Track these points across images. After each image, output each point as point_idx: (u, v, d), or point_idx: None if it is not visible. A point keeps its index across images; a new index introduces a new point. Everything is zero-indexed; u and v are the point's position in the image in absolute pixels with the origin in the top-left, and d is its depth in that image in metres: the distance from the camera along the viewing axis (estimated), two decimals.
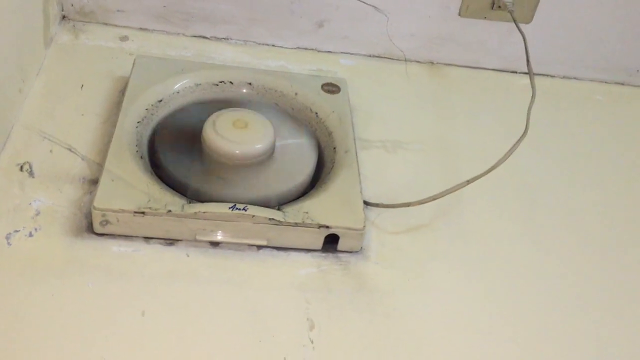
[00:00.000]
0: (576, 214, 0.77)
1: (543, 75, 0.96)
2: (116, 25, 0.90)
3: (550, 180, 0.81)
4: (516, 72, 0.97)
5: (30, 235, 0.63)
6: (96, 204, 0.63)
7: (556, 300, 0.68)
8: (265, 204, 0.67)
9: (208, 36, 0.92)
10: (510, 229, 0.74)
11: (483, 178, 0.68)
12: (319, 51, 0.94)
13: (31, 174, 0.68)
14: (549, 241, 0.73)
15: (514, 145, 0.69)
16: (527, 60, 0.80)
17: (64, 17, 0.89)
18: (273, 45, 0.93)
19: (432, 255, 0.69)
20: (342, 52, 0.94)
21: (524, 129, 0.72)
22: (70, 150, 0.71)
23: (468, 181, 0.68)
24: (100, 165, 0.69)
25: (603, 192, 0.81)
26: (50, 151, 0.71)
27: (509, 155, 0.69)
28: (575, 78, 0.98)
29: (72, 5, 0.88)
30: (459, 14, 0.91)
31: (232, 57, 0.90)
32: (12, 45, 0.72)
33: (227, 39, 0.93)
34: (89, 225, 0.64)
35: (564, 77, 0.98)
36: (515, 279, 0.69)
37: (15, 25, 0.72)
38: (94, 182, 0.68)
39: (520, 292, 0.68)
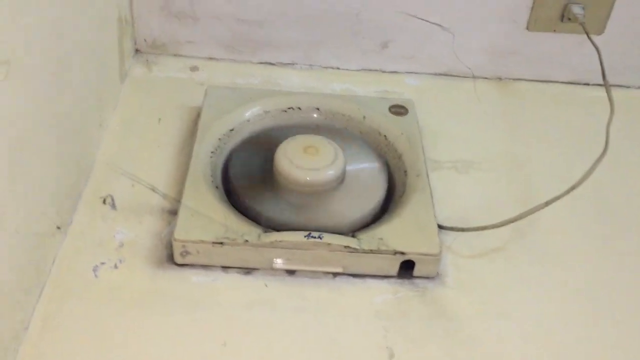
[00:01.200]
0: None
1: (617, 86, 0.92)
2: (186, 56, 0.93)
3: (634, 200, 0.77)
4: (588, 84, 0.94)
5: (115, 267, 0.65)
6: (176, 235, 0.64)
7: None
8: (338, 230, 0.67)
9: (274, 62, 0.94)
10: (592, 253, 0.71)
11: (560, 199, 0.67)
12: (383, 72, 0.94)
13: (113, 206, 0.71)
14: (634, 265, 0.70)
15: (594, 163, 0.67)
16: (603, 75, 0.77)
17: (137, 50, 0.93)
18: (338, 68, 0.94)
19: (511, 280, 0.68)
20: (407, 72, 0.94)
21: (602, 145, 0.70)
22: (148, 182, 0.74)
23: (547, 203, 0.67)
24: (178, 196, 0.70)
25: None
26: (132, 185, 0.73)
27: (590, 174, 0.66)
28: None
29: (145, 40, 0.91)
30: (527, 28, 0.89)
31: (298, 82, 0.91)
32: (92, 82, 0.75)
33: (293, 64, 0.94)
34: (169, 256, 0.66)
35: (639, 88, 0.94)
36: (599, 305, 0.66)
37: (94, 62, 0.76)
38: (173, 212, 0.70)
39: (605, 318, 0.65)
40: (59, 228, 0.65)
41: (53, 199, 0.65)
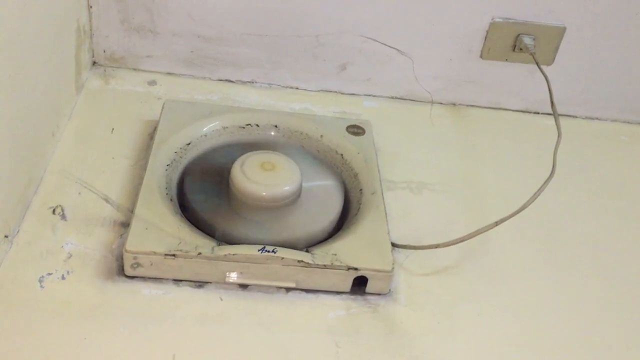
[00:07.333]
0: (605, 255, 0.77)
1: (565, 115, 0.96)
2: (145, 70, 0.93)
3: (578, 221, 0.80)
4: (538, 113, 0.97)
5: (63, 278, 0.64)
6: (128, 247, 0.63)
7: (589, 343, 0.67)
8: (292, 245, 0.67)
9: (233, 80, 0.94)
10: (539, 271, 0.73)
11: (510, 219, 0.68)
12: (342, 93, 0.96)
13: (63, 217, 0.69)
14: (578, 283, 0.73)
15: (542, 186, 0.69)
16: (552, 102, 0.80)
17: (94, 62, 0.92)
18: (297, 88, 0.95)
19: (461, 298, 0.69)
20: (365, 94, 0.96)
21: (549, 169, 0.72)
22: (101, 193, 0.72)
23: (496, 222, 0.68)
24: (131, 209, 0.69)
25: (632, 232, 0.80)
26: (81, 194, 0.72)
27: (537, 196, 0.69)
28: (597, 119, 0.98)
29: (103, 51, 0.91)
30: (481, 56, 0.92)
31: (257, 100, 0.92)
32: (46, 91, 0.74)
33: (252, 82, 0.95)
34: (119, 268, 0.65)
35: (586, 118, 0.98)
36: (546, 322, 0.68)
37: (49, 72, 0.75)
38: (125, 224, 0.69)
39: (551, 335, 0.67)
40: (6, 237, 0.63)
41: (1, 206, 0.63)
